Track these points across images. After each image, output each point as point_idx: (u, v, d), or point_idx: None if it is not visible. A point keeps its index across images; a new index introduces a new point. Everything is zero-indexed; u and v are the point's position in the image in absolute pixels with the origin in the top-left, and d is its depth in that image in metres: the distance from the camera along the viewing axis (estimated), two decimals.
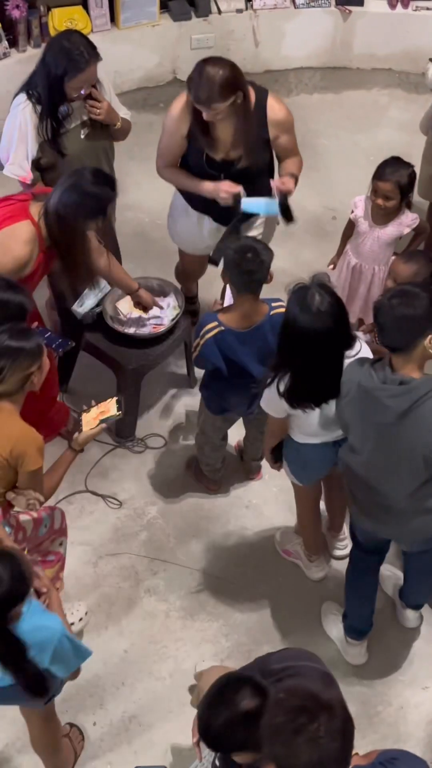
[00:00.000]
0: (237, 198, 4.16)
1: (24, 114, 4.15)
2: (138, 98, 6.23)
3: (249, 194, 4.22)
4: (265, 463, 4.39)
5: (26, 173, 4.25)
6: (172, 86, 6.33)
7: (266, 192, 4.25)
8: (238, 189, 4.16)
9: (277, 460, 3.92)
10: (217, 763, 2.81)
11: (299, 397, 3.44)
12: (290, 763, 2.19)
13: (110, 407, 3.69)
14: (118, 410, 3.67)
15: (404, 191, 4.39)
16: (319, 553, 4.27)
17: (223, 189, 4.16)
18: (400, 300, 3.13)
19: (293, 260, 5.46)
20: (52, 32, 5.86)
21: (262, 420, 4.18)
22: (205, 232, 4.49)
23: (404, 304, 3.12)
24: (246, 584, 4.28)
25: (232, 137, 4.11)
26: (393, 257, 4.53)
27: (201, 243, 4.58)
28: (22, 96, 4.16)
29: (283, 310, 3.62)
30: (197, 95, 3.92)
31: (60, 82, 4.07)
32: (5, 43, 5.80)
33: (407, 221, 4.49)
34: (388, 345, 3.19)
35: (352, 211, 4.63)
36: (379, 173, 4.40)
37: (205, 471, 4.54)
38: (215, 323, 3.87)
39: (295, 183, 4.26)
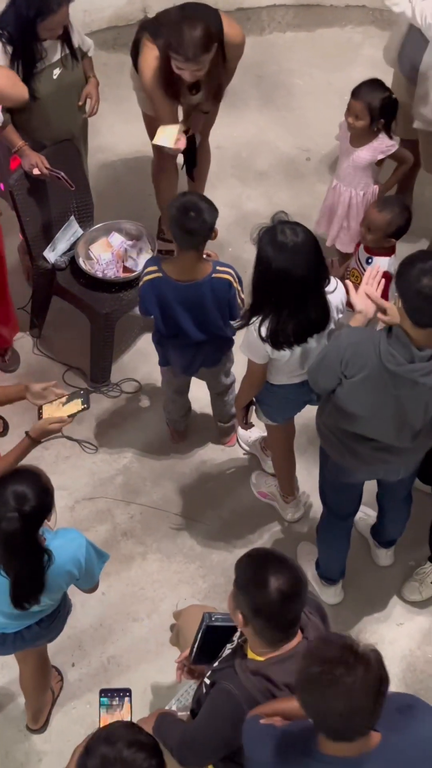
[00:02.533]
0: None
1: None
2: (108, 38, 6.11)
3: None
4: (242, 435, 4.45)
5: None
6: None
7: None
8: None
9: (246, 420, 3.92)
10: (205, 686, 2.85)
11: (285, 337, 3.40)
12: (322, 711, 2.21)
13: (75, 401, 3.43)
14: (83, 404, 3.42)
15: (374, 114, 4.36)
16: (295, 494, 4.31)
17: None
18: (430, 280, 2.94)
19: (266, 201, 5.42)
20: None
21: (217, 383, 4.20)
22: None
23: None
24: (222, 526, 4.31)
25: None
26: (375, 186, 4.52)
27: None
28: None
29: (226, 276, 3.65)
30: (186, 55, 3.98)
31: (32, 23, 3.99)
32: None
33: (382, 147, 4.46)
34: (418, 322, 3.03)
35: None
36: (355, 91, 4.40)
37: (166, 419, 4.55)
38: (155, 267, 3.81)
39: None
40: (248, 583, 2.56)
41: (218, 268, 3.79)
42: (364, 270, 4.18)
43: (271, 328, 3.39)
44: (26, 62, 4.12)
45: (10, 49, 4.08)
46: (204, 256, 3.78)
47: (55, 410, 3.39)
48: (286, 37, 6.52)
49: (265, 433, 4.32)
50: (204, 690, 2.79)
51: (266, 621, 2.55)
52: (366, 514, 4.18)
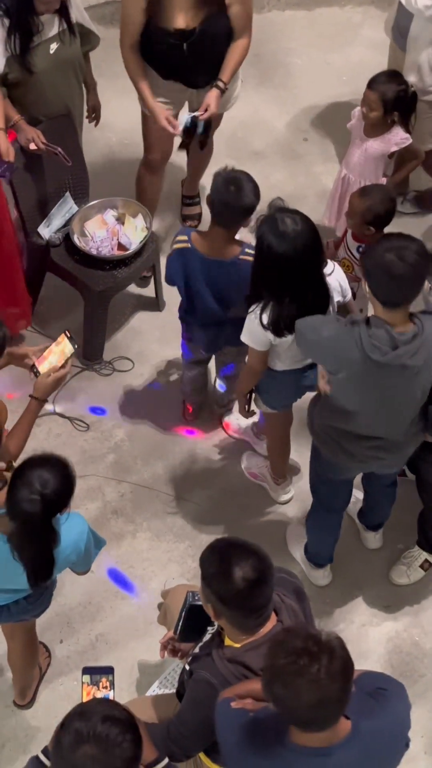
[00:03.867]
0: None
1: None
2: (105, 13, 6.05)
3: (209, 59, 4.30)
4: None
5: None
6: None
7: (222, 56, 4.33)
8: (176, 129, 4.31)
9: (248, 406, 3.92)
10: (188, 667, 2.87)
11: (287, 324, 3.39)
12: (290, 704, 2.21)
13: (63, 346, 3.44)
14: (73, 345, 3.44)
15: (388, 106, 4.33)
16: (286, 476, 4.31)
17: (162, 124, 4.30)
18: (395, 258, 2.94)
19: (263, 181, 5.28)
20: None
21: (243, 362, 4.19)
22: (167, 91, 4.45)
23: (401, 260, 2.93)
24: (212, 506, 4.32)
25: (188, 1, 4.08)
26: (384, 179, 4.50)
27: (165, 101, 4.47)
28: None
29: (251, 259, 3.58)
30: None
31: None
32: None
33: (396, 140, 4.43)
34: (388, 303, 3.03)
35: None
36: (371, 82, 4.36)
37: (181, 391, 4.54)
38: (185, 237, 3.82)
39: (223, 90, 4.32)
40: (213, 575, 2.57)
41: (247, 250, 3.73)
42: (356, 259, 4.18)
43: (272, 315, 3.39)
44: (23, 36, 4.08)
45: (6, 21, 4.04)
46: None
47: (48, 363, 3.41)
48: (285, 15, 6.48)
49: (255, 420, 4.33)
50: (186, 675, 2.82)
51: (236, 610, 2.57)
52: (354, 497, 4.20)
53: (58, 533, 2.88)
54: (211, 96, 4.28)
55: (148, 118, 4.54)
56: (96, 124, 4.77)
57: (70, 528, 2.98)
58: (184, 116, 4.32)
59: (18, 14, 4.02)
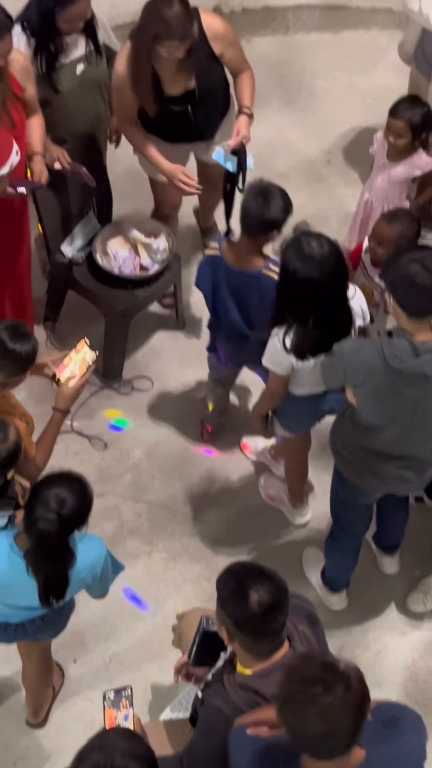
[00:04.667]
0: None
1: (18, 47, 4.05)
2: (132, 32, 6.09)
3: (213, 111, 4.24)
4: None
5: None
6: None
7: (225, 106, 4.30)
8: (194, 182, 4.21)
9: (267, 427, 3.91)
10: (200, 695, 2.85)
11: (311, 347, 3.39)
12: (300, 731, 2.18)
13: (83, 353, 3.47)
14: (93, 351, 3.47)
15: (416, 131, 4.32)
16: (303, 499, 4.29)
17: (181, 179, 4.20)
18: (420, 268, 2.97)
19: None
20: None
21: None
22: (174, 153, 4.39)
23: (426, 270, 2.97)
24: (228, 528, 4.31)
25: (178, 68, 4.00)
26: (407, 203, 4.49)
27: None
28: (17, 28, 4.06)
29: (274, 276, 3.57)
30: (178, 34, 3.80)
31: (51, 14, 3.98)
32: None
33: (420, 163, 4.42)
34: (413, 313, 3.05)
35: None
36: (393, 110, 4.34)
37: (202, 412, 4.54)
38: (216, 245, 3.83)
39: (251, 117, 4.22)
40: (228, 598, 2.56)
41: (271, 266, 3.72)
42: (377, 286, 4.16)
43: (296, 339, 3.38)
44: (48, 55, 4.11)
45: (33, 42, 4.07)
46: None
47: (68, 371, 3.42)
48: (311, 37, 6.49)
49: (271, 442, 4.31)
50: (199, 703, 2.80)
51: (250, 635, 2.56)
52: None
53: (74, 552, 2.88)
54: (241, 121, 4.20)
55: (156, 186, 4.59)
56: (116, 146, 4.77)
57: (89, 550, 2.98)
58: (215, 152, 4.18)
59: (42, 34, 4.05)
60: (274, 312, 3.45)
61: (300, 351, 3.39)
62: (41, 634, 3.30)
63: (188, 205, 5.05)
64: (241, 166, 4.15)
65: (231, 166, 4.14)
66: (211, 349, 4.22)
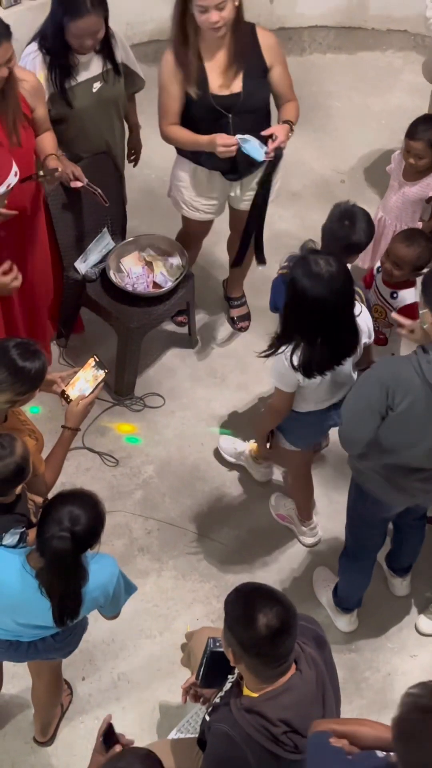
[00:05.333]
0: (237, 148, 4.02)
1: (34, 64, 4.09)
2: (149, 51, 6.12)
3: (254, 133, 4.05)
4: None
5: None
6: None
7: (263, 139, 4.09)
8: (234, 140, 4.01)
9: (269, 442, 3.91)
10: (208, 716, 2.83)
11: (318, 365, 3.39)
12: (416, 760, 2.14)
13: (93, 371, 3.47)
14: (103, 370, 3.47)
15: None
16: (312, 518, 4.28)
17: (220, 143, 4.02)
18: None
19: (299, 223, 5.41)
20: None
21: None
22: (216, 192, 4.42)
23: None
24: (239, 547, 4.29)
25: (228, 61, 4.02)
26: (420, 223, 4.50)
27: (210, 206, 4.49)
28: (33, 45, 4.09)
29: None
30: None
31: (62, 29, 4.00)
32: None
33: None
34: None
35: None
36: (411, 132, 4.35)
37: None
38: (287, 264, 3.75)
39: (291, 130, 4.17)
40: (236, 620, 2.55)
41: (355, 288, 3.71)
42: (390, 306, 4.17)
43: (303, 357, 3.38)
44: (62, 72, 4.13)
45: (48, 58, 4.10)
46: None
47: (77, 389, 3.43)
48: (327, 58, 6.52)
49: (249, 444, 4.35)
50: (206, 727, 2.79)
51: (257, 658, 2.54)
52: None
53: (86, 570, 2.87)
54: (280, 126, 4.13)
55: (189, 220, 4.59)
56: (135, 165, 4.80)
57: (101, 569, 2.96)
58: (247, 143, 4.01)
59: (56, 49, 4.07)
60: (281, 329, 3.45)
61: (308, 369, 3.40)
62: (53, 654, 3.29)
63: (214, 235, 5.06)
64: (271, 172, 4.14)
65: (258, 154, 4.02)
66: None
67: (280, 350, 3.44)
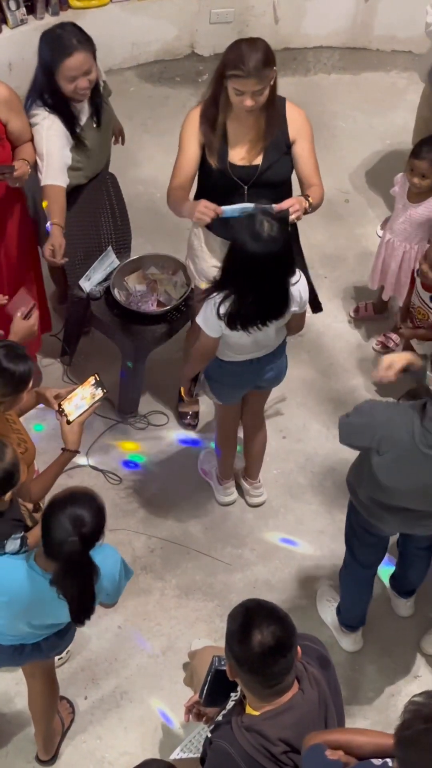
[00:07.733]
0: (216, 216, 3.82)
1: (52, 129, 4.08)
2: (154, 71, 6.17)
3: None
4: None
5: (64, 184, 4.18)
6: (189, 60, 6.26)
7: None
8: (214, 207, 3.80)
9: (192, 391, 3.99)
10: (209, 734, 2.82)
11: (243, 321, 3.48)
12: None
13: (91, 390, 3.46)
14: (103, 391, 3.46)
15: None
16: (230, 477, 4.41)
17: (199, 209, 3.81)
18: None
19: (304, 241, 5.37)
20: (71, 1, 5.82)
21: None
22: None
23: None
24: (242, 566, 4.28)
25: (255, 136, 3.89)
26: (428, 245, 4.51)
27: None
28: (40, 110, 4.07)
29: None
30: (247, 69, 3.64)
31: (53, 75, 3.97)
32: (23, 9, 5.74)
33: None
34: None
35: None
36: (416, 152, 4.38)
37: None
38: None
39: (310, 205, 3.91)
40: (233, 634, 2.55)
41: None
42: (430, 307, 4.21)
43: (231, 309, 3.47)
44: (67, 122, 4.14)
45: (54, 115, 4.09)
46: None
47: (74, 405, 3.43)
48: (331, 78, 6.56)
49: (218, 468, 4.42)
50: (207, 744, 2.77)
51: (249, 674, 2.54)
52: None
53: (96, 565, 2.88)
54: (294, 198, 3.88)
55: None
56: (122, 143, 4.75)
57: (105, 559, 2.97)
58: (237, 206, 3.80)
59: (56, 105, 4.07)
60: (219, 276, 3.52)
61: (231, 321, 3.48)
62: (53, 651, 3.30)
63: None
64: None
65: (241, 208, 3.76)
66: None
67: (211, 295, 3.52)
